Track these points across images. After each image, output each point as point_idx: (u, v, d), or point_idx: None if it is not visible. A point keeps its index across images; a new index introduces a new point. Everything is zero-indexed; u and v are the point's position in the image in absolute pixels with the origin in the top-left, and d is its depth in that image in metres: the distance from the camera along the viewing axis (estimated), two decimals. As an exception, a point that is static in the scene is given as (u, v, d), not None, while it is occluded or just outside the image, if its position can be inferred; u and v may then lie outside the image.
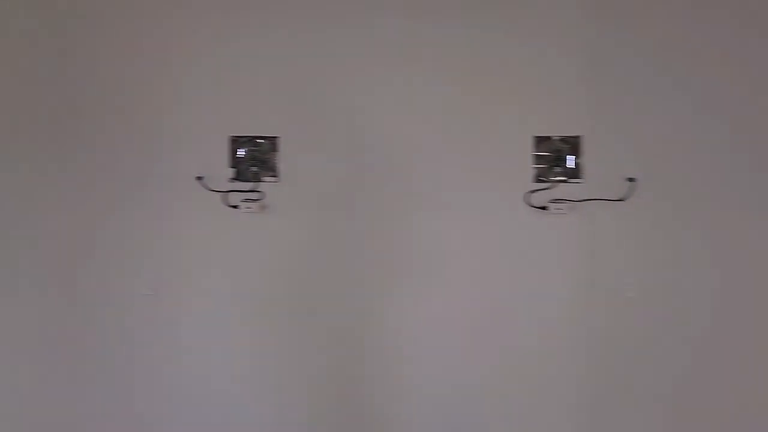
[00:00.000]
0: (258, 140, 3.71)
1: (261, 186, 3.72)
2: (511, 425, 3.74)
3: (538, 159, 3.71)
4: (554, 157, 3.71)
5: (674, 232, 3.69)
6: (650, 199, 3.67)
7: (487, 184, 3.71)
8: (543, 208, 3.69)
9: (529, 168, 3.71)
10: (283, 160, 3.72)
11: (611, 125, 3.69)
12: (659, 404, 3.71)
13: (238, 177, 3.72)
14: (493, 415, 3.75)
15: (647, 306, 3.69)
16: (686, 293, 3.70)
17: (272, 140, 3.72)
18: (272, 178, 3.72)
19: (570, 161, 3.71)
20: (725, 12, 3.67)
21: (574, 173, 3.70)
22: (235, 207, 3.69)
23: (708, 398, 3.70)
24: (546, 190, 3.70)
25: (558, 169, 3.70)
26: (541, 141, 3.70)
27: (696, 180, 3.69)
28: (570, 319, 3.72)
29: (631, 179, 3.66)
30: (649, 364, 3.71)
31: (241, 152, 3.71)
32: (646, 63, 3.67)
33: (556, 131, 3.70)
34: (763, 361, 3.69)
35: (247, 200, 3.69)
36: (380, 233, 3.72)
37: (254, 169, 3.71)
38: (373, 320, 3.74)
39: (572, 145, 3.70)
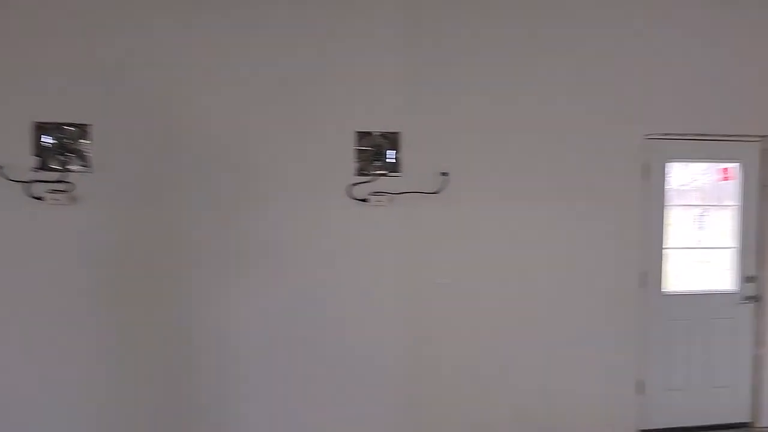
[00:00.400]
0: (66, 127, 3.49)
1: (70, 176, 3.49)
2: (331, 409, 3.88)
3: (360, 153, 3.85)
4: (375, 151, 3.87)
5: (475, 221, 4.01)
6: (460, 192, 3.95)
7: (311, 178, 3.78)
8: (364, 200, 3.84)
9: (351, 162, 3.84)
10: (95, 148, 3.53)
11: (426, 123, 3.92)
12: (464, 376, 4.05)
13: (44, 166, 3.47)
14: (317, 403, 3.85)
15: (458, 289, 4.00)
16: (488, 275, 4.05)
17: (82, 128, 3.51)
18: (83, 168, 3.51)
19: (390, 156, 3.89)
20: (520, 20, 4.05)
21: (394, 167, 3.89)
22: (39, 198, 3.44)
23: (502, 372, 4.10)
24: (367, 183, 3.85)
25: (378, 163, 3.87)
26: (362, 136, 3.84)
27: (498, 175, 4.04)
28: (389, 301, 3.91)
29: (444, 173, 3.93)
30: (456, 340, 4.02)
31: (46, 140, 3.46)
32: (458, 67, 3.95)
33: (376, 127, 3.86)
34: (558, 328, 4.16)
35: (53, 191, 3.45)
36: (202, 226, 3.66)
37: (62, 158, 3.48)
38: (190, 314, 3.68)
39: (392, 140, 3.88)
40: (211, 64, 3.65)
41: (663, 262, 4.38)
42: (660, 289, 4.38)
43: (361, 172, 3.85)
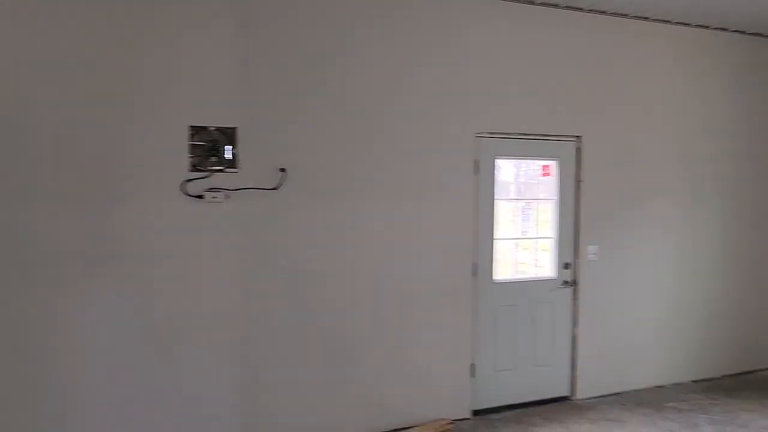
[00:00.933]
0: None
1: None
2: (164, 409, 3.77)
3: (195, 149, 3.75)
4: (211, 147, 3.79)
5: (316, 216, 4.08)
6: (297, 188, 3.99)
7: (141, 173, 3.62)
8: (199, 196, 3.75)
9: (186, 157, 3.73)
10: None
11: (264, 118, 3.90)
12: (306, 369, 4.12)
13: None
14: (152, 402, 3.72)
15: (296, 285, 4.04)
16: (329, 269, 4.14)
17: None
18: None
19: (227, 151, 3.83)
20: (359, 18, 4.16)
21: (231, 163, 3.84)
22: None
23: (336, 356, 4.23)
24: (203, 180, 3.77)
25: (214, 159, 3.80)
26: (197, 131, 3.75)
27: (337, 171, 4.12)
28: (224, 300, 3.87)
29: (282, 169, 3.94)
30: (296, 336, 4.06)
31: None
32: (296, 62, 3.97)
33: (212, 122, 3.78)
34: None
35: None
36: (30, 224, 3.39)
37: None
38: (18, 314, 3.40)
39: (228, 135, 3.83)
40: (48, 55, 3.38)
41: (493, 252, 4.71)
42: (491, 277, 4.71)
43: (196, 167, 3.76)
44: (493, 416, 4.65)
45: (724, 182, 5.57)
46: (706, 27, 5.35)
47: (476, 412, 4.66)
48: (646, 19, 5.06)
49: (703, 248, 5.51)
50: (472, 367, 4.64)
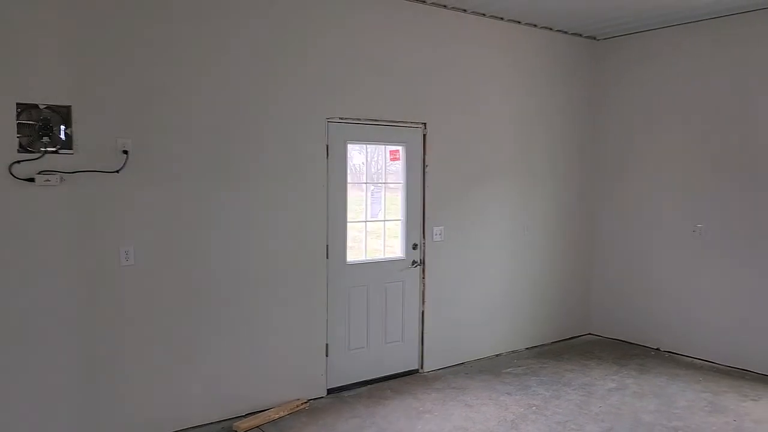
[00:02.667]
0: None
1: None
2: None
3: (23, 128, 3.45)
4: (42, 126, 3.51)
5: (162, 201, 3.94)
6: (142, 171, 3.82)
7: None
8: (30, 180, 3.46)
9: (13, 138, 3.42)
10: None
11: (105, 99, 3.68)
12: (157, 352, 3.99)
13: None
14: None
15: (146, 270, 3.89)
16: (184, 254, 4.03)
17: None
18: None
19: (61, 132, 3.57)
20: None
21: (66, 144, 3.58)
22: None
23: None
24: (33, 161, 3.48)
25: (47, 140, 3.52)
26: (25, 109, 3.45)
27: (182, 155, 4.01)
28: (63, 287, 3.63)
29: (125, 151, 3.75)
30: (150, 319, 3.92)
31: None
32: (141, 38, 3.78)
33: (43, 100, 3.50)
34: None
35: None
36: None
37: None
38: None
39: (62, 114, 3.56)
40: None
41: (346, 234, 4.84)
42: (344, 259, 4.84)
43: (25, 148, 3.46)
44: (347, 393, 4.81)
45: (554, 166, 6.17)
46: (534, 25, 5.87)
47: (331, 391, 4.78)
48: (483, 15, 5.44)
49: (536, 227, 6.07)
50: (327, 347, 4.75)
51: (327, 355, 4.76)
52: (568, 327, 6.49)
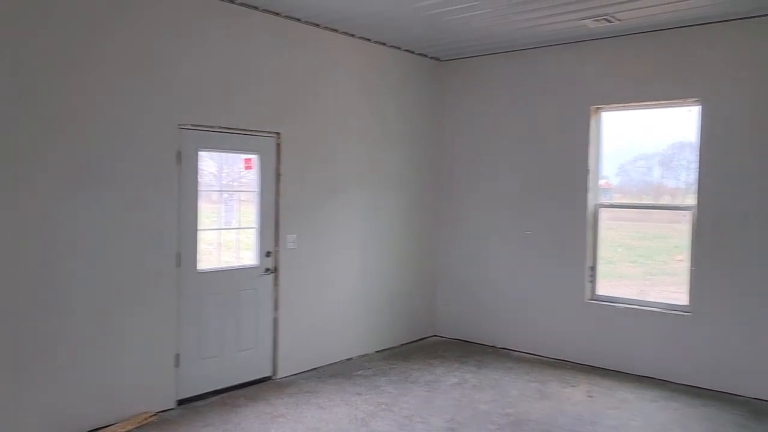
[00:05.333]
0: None
1: None
2: None
3: None
4: None
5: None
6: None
7: None
8: None
9: None
10: None
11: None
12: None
13: None
14: None
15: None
16: (20, 264, 3.78)
17: None
18: None
19: None
20: None
21: None
22: None
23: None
24: None
25: None
26: None
27: (19, 159, 3.78)
28: None
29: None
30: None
31: None
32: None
33: None
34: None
35: None
36: None
37: None
38: None
39: None
40: None
41: (197, 242, 4.78)
42: (195, 267, 4.78)
43: None
44: (199, 403, 4.74)
45: (402, 177, 6.53)
46: (384, 44, 6.22)
47: (182, 401, 4.68)
48: (335, 31, 5.68)
49: (385, 236, 6.39)
50: (177, 356, 4.65)
51: (177, 365, 4.66)
52: (415, 330, 6.88)
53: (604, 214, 6.07)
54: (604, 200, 6.11)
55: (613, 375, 5.65)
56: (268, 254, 5.29)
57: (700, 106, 5.32)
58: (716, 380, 5.23)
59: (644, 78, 5.60)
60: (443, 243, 7.06)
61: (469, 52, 6.52)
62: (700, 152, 5.32)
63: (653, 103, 5.65)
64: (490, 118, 6.63)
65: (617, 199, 6.24)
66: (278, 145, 5.30)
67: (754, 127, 5.04)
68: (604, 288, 6.03)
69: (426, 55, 6.73)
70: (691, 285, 5.43)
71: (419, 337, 6.94)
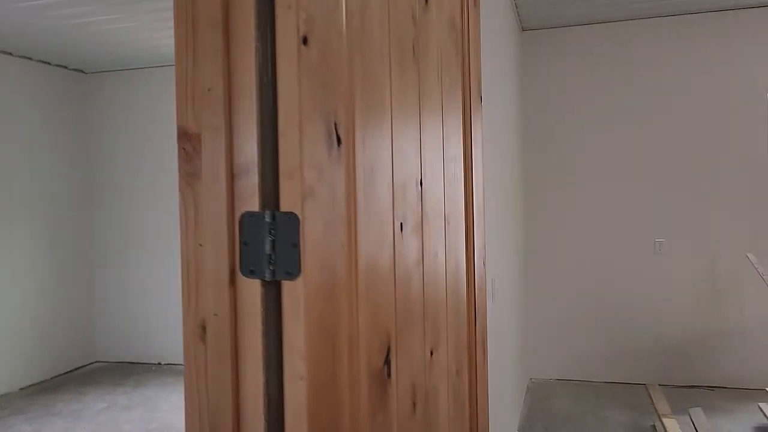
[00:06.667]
0: None
1: None
2: None
3: None
4: None
5: None
6: None
7: None
8: None
9: None
10: None
11: None
12: None
13: None
14: None
15: None
16: None
17: None
18: None
19: None
20: None
21: None
22: None
23: None
24: None
25: None
26: None
27: None
28: None
29: None
30: None
31: None
32: None
33: None
34: None
35: None
36: None
37: None
38: None
39: None
40: None
41: None
42: None
43: None
44: None
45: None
46: (10, 54, 5.73)
47: None
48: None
49: (23, 266, 5.87)
50: None
51: None
52: (71, 359, 6.44)
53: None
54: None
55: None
56: None
57: None
58: None
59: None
60: (96, 263, 6.75)
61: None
62: None
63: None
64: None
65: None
66: None
67: None
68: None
69: (66, 67, 6.37)
70: None
71: (77, 366, 6.51)
